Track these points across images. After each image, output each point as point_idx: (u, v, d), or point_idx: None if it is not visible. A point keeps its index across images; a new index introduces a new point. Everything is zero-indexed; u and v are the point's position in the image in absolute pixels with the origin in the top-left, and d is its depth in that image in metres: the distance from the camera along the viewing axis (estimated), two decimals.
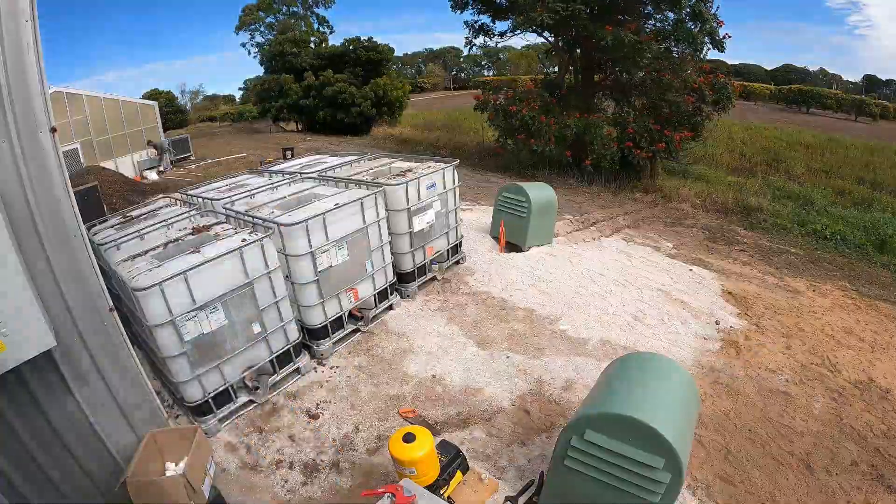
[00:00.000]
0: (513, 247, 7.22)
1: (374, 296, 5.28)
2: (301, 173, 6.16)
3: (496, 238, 7.48)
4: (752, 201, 11.52)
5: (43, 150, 2.40)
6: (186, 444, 2.95)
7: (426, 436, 2.79)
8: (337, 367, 4.67)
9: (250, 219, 4.29)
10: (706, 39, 12.52)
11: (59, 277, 2.55)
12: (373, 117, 27.40)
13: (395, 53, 31.62)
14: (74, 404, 2.76)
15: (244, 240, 3.84)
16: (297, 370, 4.48)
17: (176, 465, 2.96)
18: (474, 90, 28.70)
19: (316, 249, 4.41)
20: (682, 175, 15.49)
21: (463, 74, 71.96)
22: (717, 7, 12.31)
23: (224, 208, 4.85)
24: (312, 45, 29.98)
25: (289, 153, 14.75)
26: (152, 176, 15.30)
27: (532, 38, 15.34)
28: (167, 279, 3.33)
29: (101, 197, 9.51)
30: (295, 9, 34.16)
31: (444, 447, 3.14)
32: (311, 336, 4.77)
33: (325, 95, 26.50)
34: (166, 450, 3.05)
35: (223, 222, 4.43)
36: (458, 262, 6.67)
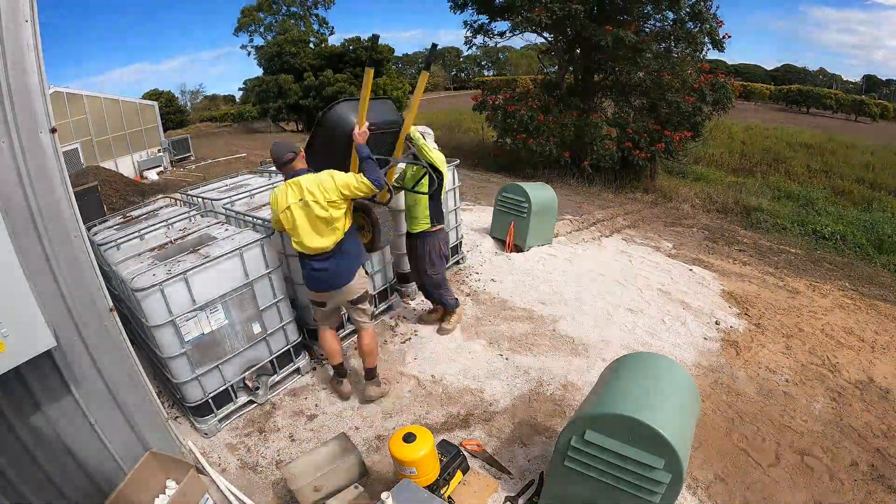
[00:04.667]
0: (513, 247, 7.22)
1: (374, 296, 5.28)
2: None
3: (497, 238, 7.48)
4: (752, 201, 11.54)
5: (43, 150, 2.40)
6: (179, 477, 2.95)
7: (426, 436, 2.78)
8: None
9: (251, 219, 4.28)
10: (706, 39, 12.55)
11: (59, 277, 2.54)
12: None
13: (395, 53, 31.71)
14: (74, 404, 2.76)
15: (245, 240, 3.84)
16: (297, 370, 4.47)
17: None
18: (474, 90, 28.74)
19: None
20: (682, 175, 15.52)
21: (463, 74, 72.01)
22: (717, 7, 12.35)
23: (224, 208, 4.85)
24: (312, 46, 30.04)
25: None
26: (152, 176, 15.32)
27: (532, 38, 15.40)
28: (167, 279, 3.33)
29: (101, 197, 9.52)
30: (294, 9, 34.23)
31: (444, 447, 3.14)
32: (311, 336, 4.76)
33: (325, 95, 26.59)
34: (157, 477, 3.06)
35: (223, 222, 4.43)
36: (458, 263, 6.67)
